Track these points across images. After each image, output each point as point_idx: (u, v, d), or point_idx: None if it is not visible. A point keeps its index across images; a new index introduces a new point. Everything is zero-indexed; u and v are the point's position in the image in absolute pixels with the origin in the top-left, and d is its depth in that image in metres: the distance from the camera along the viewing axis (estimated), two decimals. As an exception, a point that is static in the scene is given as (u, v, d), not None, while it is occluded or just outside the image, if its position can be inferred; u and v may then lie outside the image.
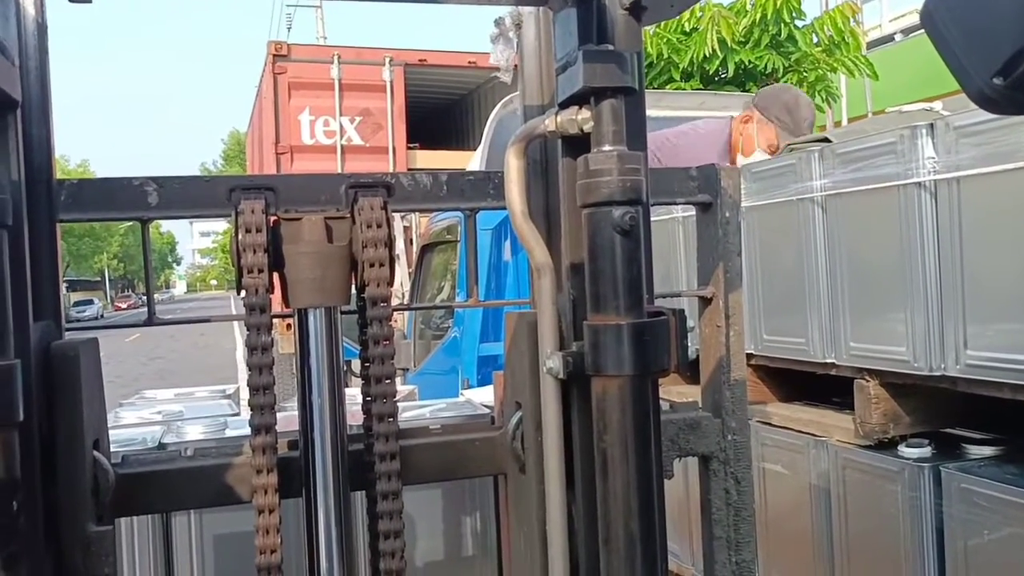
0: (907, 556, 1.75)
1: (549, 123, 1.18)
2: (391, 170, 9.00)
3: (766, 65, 7.89)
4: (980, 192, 1.58)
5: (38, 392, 1.08)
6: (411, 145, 9.27)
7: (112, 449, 1.75)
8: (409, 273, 6.22)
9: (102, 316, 45.53)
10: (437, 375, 4.72)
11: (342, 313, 1.25)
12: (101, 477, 1.16)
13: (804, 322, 2.06)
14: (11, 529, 1.00)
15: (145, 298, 1.38)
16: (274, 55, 8.72)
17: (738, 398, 1.56)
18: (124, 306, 55.57)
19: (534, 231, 1.23)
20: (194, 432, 1.90)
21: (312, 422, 1.22)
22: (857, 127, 2.71)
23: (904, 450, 1.81)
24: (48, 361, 1.10)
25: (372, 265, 1.19)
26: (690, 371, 1.71)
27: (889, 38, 13.11)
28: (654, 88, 7.68)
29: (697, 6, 8.05)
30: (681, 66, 7.91)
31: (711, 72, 7.96)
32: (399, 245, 7.57)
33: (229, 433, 1.87)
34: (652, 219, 2.77)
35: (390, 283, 1.22)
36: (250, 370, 1.16)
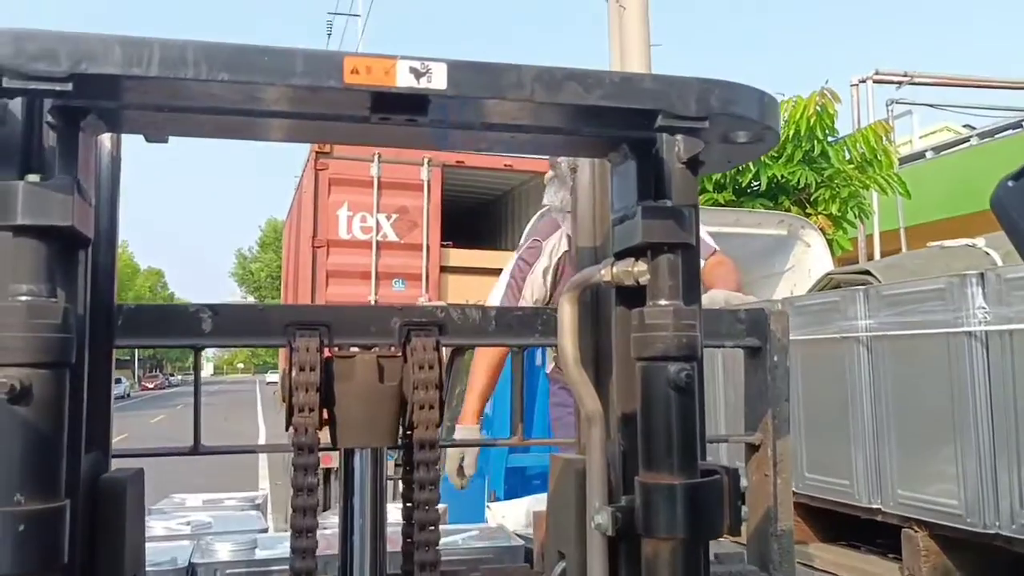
0: None
1: (605, 273, 1.18)
2: (423, 267, 9.11)
3: (799, 180, 7.98)
4: (1034, 346, 1.56)
5: (83, 527, 1.07)
6: (445, 243, 9.39)
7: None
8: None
9: (129, 395, 45.82)
10: (465, 482, 4.64)
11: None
12: (136, 615, 1.14)
13: (848, 463, 2.01)
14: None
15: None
16: (317, 152, 8.97)
17: (785, 549, 1.51)
18: (151, 385, 55.86)
19: (586, 380, 1.22)
20: (224, 551, 1.87)
21: (352, 564, 1.20)
22: (898, 261, 2.71)
23: (956, 607, 1.74)
24: (95, 495, 1.10)
25: (422, 407, 1.19)
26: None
27: (920, 155, 13.25)
28: (687, 199, 7.75)
29: (731, 121, 8.20)
30: (714, 178, 8.02)
31: (744, 185, 8.06)
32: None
33: (259, 553, 1.84)
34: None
35: (439, 425, 1.21)
36: (295, 511, 1.14)
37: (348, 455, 1.21)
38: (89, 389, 1.12)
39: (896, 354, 1.88)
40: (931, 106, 14.33)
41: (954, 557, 1.77)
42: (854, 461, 1.99)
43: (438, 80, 0.94)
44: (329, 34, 31.12)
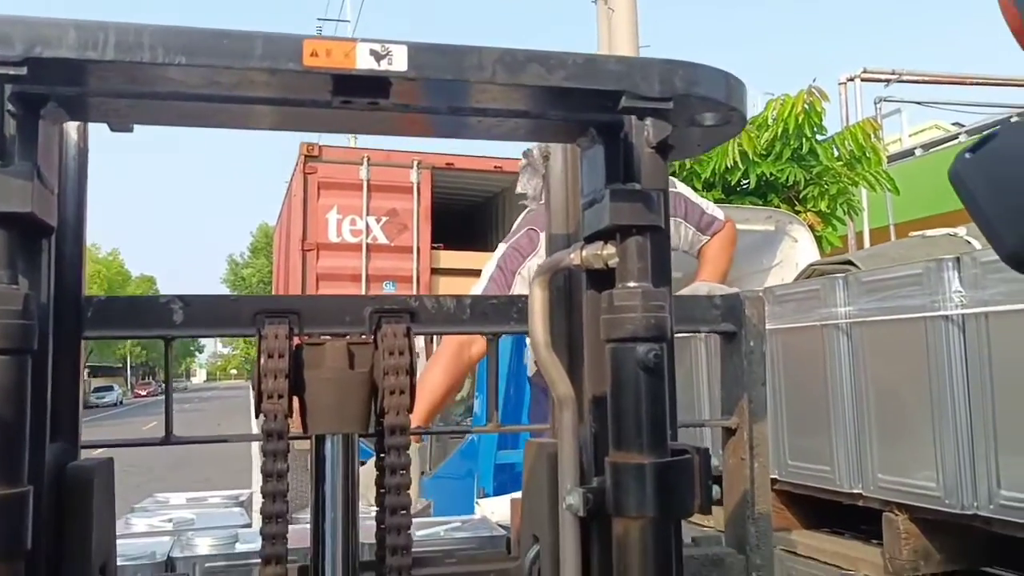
0: None
1: (575, 257, 1.19)
2: (414, 269, 9.11)
3: (788, 177, 8.00)
4: (1010, 328, 1.56)
5: (49, 515, 1.06)
6: (435, 245, 9.40)
7: (120, 563, 1.72)
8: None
9: (121, 403, 45.62)
10: (453, 479, 4.64)
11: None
12: (106, 605, 1.13)
13: (829, 449, 2.01)
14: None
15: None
16: (305, 156, 8.97)
17: (763, 533, 1.51)
18: (144, 393, 55.70)
19: (557, 363, 1.22)
20: (204, 545, 1.86)
21: (324, 550, 1.19)
22: (880, 251, 2.72)
23: (937, 591, 1.74)
24: (62, 484, 1.09)
25: (393, 393, 1.19)
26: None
27: (909, 152, 13.30)
28: (676, 197, 7.76)
29: (719, 119, 8.22)
30: (703, 176, 8.03)
31: (733, 183, 8.08)
32: (419, 342, 7.59)
33: (240, 547, 1.83)
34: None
35: (410, 410, 1.21)
36: (264, 497, 1.14)
37: (319, 442, 1.21)
38: (55, 379, 1.12)
39: (875, 340, 1.89)
40: (920, 103, 14.38)
41: (934, 539, 1.78)
42: (835, 447, 1.99)
43: (399, 62, 0.94)
44: None
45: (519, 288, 2.92)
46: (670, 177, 3.81)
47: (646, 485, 1.07)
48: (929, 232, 2.37)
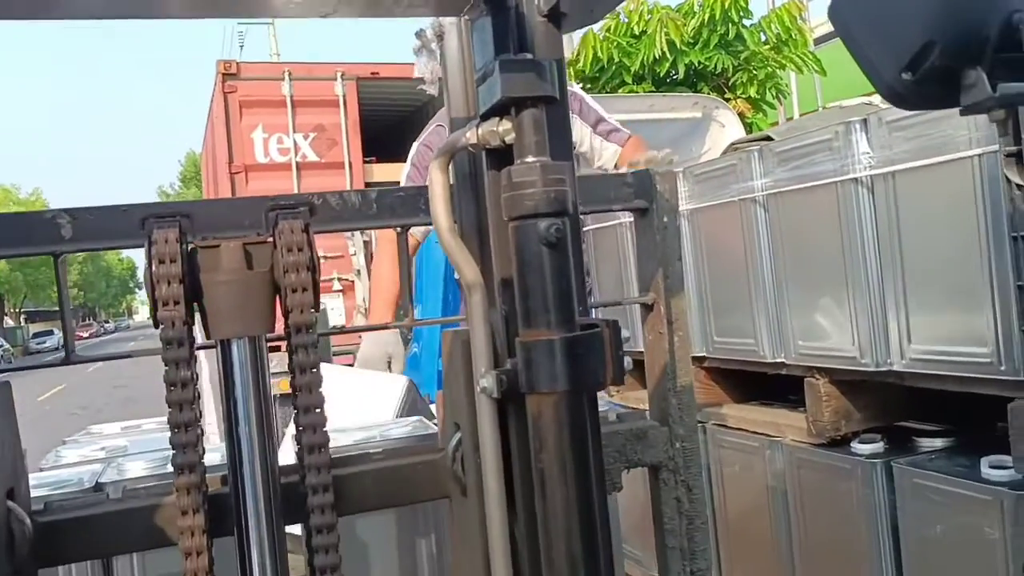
0: (864, 552, 1.74)
1: (470, 136, 1.15)
2: (348, 185, 8.94)
3: (716, 65, 7.97)
4: (915, 185, 1.58)
5: (-59, 443, 1.02)
6: (367, 159, 9.21)
7: (46, 492, 1.69)
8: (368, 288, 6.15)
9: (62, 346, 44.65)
10: (401, 391, 4.65)
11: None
12: (16, 528, 1.10)
13: (752, 323, 2.05)
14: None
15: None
16: (223, 74, 8.63)
17: (685, 405, 1.53)
18: (85, 335, 54.64)
19: (462, 248, 1.20)
20: (135, 469, 1.84)
21: (240, 457, 1.18)
22: (798, 124, 2.72)
23: (857, 447, 1.81)
24: (-49, 409, 1.05)
25: (295, 291, 1.15)
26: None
27: (835, 34, 13.27)
28: (607, 92, 7.70)
29: (645, 8, 8.10)
30: (632, 69, 7.95)
31: (662, 74, 8.01)
32: (359, 261, 7.50)
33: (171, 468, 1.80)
34: (599, 226, 2.74)
35: (315, 308, 1.17)
36: (170, 407, 1.11)
37: (225, 348, 1.18)
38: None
39: (791, 210, 1.90)
40: (845, -17, 14.26)
41: (853, 399, 1.84)
42: (757, 320, 2.03)
43: (252, -73, 0.87)
44: (242, 45, 29.64)
45: None
46: (576, 87, 3.73)
47: (555, 360, 1.07)
48: (846, 102, 2.38)
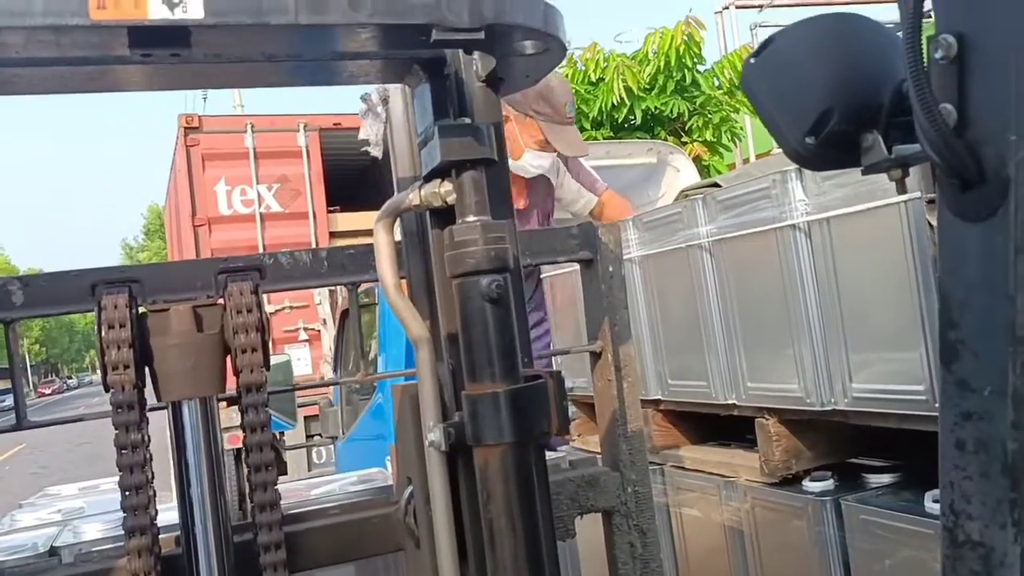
0: (819, 591, 1.77)
1: (413, 197, 1.19)
2: (312, 235, 8.94)
3: (672, 109, 8.16)
4: (849, 231, 1.65)
5: None
6: (331, 209, 9.22)
7: (1, 558, 1.67)
8: (334, 338, 6.14)
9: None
10: (367, 441, 4.64)
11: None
12: (-35, 598, 1.10)
13: (704, 365, 2.09)
14: None
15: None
16: (185, 128, 8.64)
17: (636, 450, 1.57)
18: (48, 391, 53.50)
19: (408, 304, 1.23)
20: (92, 531, 1.82)
21: (193, 517, 1.19)
22: (744, 171, 2.81)
23: (808, 484, 1.85)
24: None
25: (245, 351, 1.18)
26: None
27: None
28: (566, 138, 7.80)
29: (601, 56, 8.29)
30: (591, 115, 8.11)
31: (620, 120, 8.18)
32: (324, 311, 7.48)
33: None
34: (555, 272, 2.78)
35: (265, 367, 1.20)
36: (121, 470, 1.12)
37: (176, 409, 1.19)
38: None
39: (735, 256, 1.96)
40: (795, 28, 14.68)
41: (803, 438, 1.88)
42: (709, 363, 2.07)
43: (194, 9, 0.91)
44: (205, 97, 29.89)
45: None
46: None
47: (500, 412, 1.10)
48: (789, 149, 2.45)
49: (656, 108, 8.15)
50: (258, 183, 8.85)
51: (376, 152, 1.47)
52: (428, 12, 1.00)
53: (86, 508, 2.18)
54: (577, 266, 2.69)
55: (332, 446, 5.73)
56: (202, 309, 1.20)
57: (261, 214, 8.83)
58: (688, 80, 8.32)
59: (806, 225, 1.73)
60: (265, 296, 1.26)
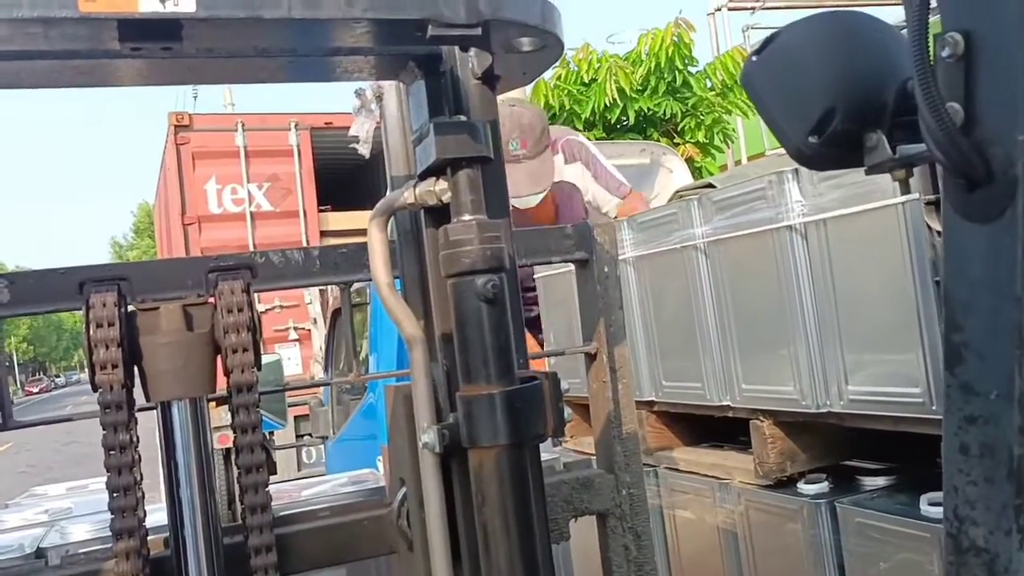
0: (814, 593, 1.76)
1: (408, 195, 1.17)
2: (303, 234, 8.90)
3: (665, 111, 8.16)
4: (846, 232, 1.64)
5: None
6: (322, 208, 9.19)
7: (-17, 560, 1.64)
8: (325, 338, 6.11)
9: (12, 403, 43.41)
10: (358, 441, 4.61)
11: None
12: (-52, 602, 1.08)
13: (699, 367, 2.08)
14: None
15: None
16: (176, 126, 8.59)
17: (631, 452, 1.55)
18: (36, 390, 53.23)
19: (402, 304, 1.22)
20: (79, 532, 1.80)
21: (182, 519, 1.17)
22: (739, 171, 2.81)
23: (803, 487, 1.84)
24: None
25: (235, 351, 1.16)
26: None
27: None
28: (559, 139, 7.79)
29: (594, 57, 8.29)
30: (583, 116, 8.10)
31: (613, 120, 8.18)
32: (315, 310, 7.45)
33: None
34: (549, 273, 2.77)
35: (256, 367, 1.18)
36: (109, 471, 1.10)
37: (165, 409, 1.17)
38: None
39: (731, 257, 1.95)
40: (787, 30, 14.71)
41: (797, 440, 1.87)
42: (703, 364, 2.06)
43: (185, 2, 0.89)
44: (195, 95, 29.78)
45: None
46: (582, 136, 3.90)
47: (496, 414, 1.09)
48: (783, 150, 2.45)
49: (649, 109, 8.14)
50: (248, 182, 8.81)
51: (364, 151, 1.45)
52: (424, 7, 0.99)
53: (74, 509, 2.15)
54: (569, 268, 2.68)
55: (322, 446, 5.69)
56: (192, 308, 1.18)
57: (251, 213, 8.80)
58: (680, 81, 8.32)
59: (802, 226, 1.72)
60: (256, 295, 1.24)
